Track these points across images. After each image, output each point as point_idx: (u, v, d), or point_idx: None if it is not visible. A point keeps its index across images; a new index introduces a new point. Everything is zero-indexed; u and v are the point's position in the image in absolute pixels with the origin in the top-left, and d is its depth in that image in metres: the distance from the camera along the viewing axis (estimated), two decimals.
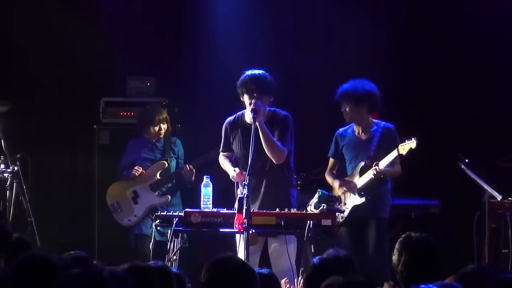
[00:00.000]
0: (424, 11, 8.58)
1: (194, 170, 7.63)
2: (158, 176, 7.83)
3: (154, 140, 7.92)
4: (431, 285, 3.11)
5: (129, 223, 7.83)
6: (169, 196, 7.78)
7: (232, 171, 6.63)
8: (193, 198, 7.76)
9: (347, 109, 7.08)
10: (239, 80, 6.60)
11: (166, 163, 7.85)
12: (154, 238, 6.88)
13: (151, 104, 8.15)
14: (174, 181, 7.85)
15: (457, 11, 8.56)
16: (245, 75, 6.60)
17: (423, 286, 3.10)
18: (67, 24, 8.80)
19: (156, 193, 7.80)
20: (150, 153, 7.92)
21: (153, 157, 7.91)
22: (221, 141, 6.83)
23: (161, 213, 6.50)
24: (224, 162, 6.80)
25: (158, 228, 7.65)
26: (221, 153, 6.85)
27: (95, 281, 3.09)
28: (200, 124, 7.68)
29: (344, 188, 7.02)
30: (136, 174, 7.78)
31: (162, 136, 7.90)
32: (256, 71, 6.61)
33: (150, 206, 7.76)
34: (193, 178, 7.62)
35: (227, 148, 6.80)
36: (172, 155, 7.90)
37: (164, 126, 7.90)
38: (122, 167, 7.93)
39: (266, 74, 6.61)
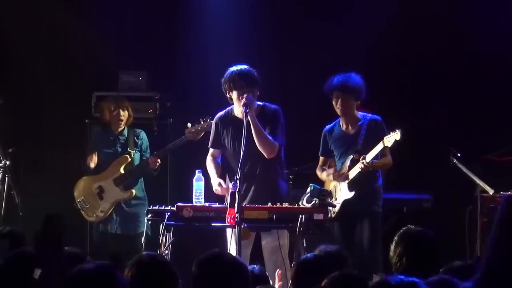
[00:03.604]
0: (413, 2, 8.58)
1: (159, 160, 7.64)
2: (122, 171, 7.81)
3: (116, 133, 7.89)
4: (414, 278, 3.09)
5: (96, 219, 7.83)
6: (133, 191, 7.77)
7: (215, 183, 6.63)
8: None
9: (342, 102, 7.03)
10: (225, 77, 6.63)
11: (128, 157, 7.83)
12: (146, 233, 6.89)
13: (114, 95, 8.15)
14: (137, 174, 7.83)
15: (448, 3, 8.57)
16: (231, 71, 6.63)
17: (402, 277, 3.08)
18: (59, 18, 8.79)
19: (120, 188, 7.79)
20: (111, 147, 7.90)
21: (114, 151, 7.89)
22: (210, 136, 6.83)
23: (153, 208, 6.47)
24: (209, 166, 6.77)
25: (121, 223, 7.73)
26: (210, 150, 6.84)
27: (105, 276, 3.09)
28: (192, 119, 7.66)
29: (334, 178, 7.02)
30: (91, 164, 7.82)
31: (122, 123, 7.86)
32: (241, 67, 6.64)
33: (115, 201, 7.76)
34: (157, 167, 7.66)
35: (216, 144, 6.79)
36: (135, 148, 7.87)
37: (124, 113, 7.86)
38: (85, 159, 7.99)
39: (251, 68, 6.65)
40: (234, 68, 6.64)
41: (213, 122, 6.83)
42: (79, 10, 8.86)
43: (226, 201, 6.27)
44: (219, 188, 6.60)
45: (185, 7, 8.93)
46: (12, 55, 8.94)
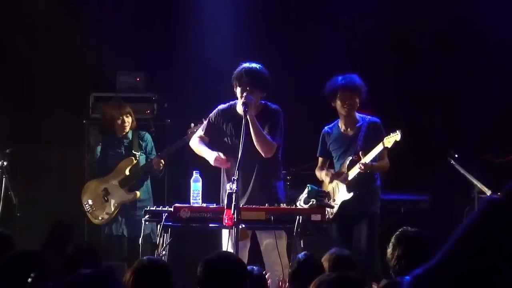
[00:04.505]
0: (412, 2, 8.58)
1: (163, 161, 7.65)
2: (127, 172, 7.81)
3: (120, 136, 7.89)
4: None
5: (102, 221, 7.81)
6: (138, 192, 7.77)
7: (211, 155, 6.56)
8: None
9: (350, 101, 7.01)
10: (235, 72, 6.55)
11: (134, 159, 7.83)
12: (143, 234, 6.88)
13: (114, 99, 8.12)
14: (142, 175, 7.83)
15: (448, 2, 8.58)
16: (241, 67, 6.55)
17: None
18: (57, 19, 8.78)
19: (125, 190, 7.78)
20: (116, 150, 7.89)
21: (119, 154, 7.88)
22: (206, 123, 6.78)
23: (150, 208, 6.47)
24: (199, 146, 6.71)
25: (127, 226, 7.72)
26: (198, 133, 6.80)
27: (103, 281, 3.09)
28: (190, 120, 7.66)
29: (335, 179, 7.01)
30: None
31: (127, 129, 7.87)
32: (253, 65, 6.55)
33: (120, 203, 7.75)
34: (161, 167, 7.66)
35: (209, 133, 6.74)
36: (140, 150, 7.87)
37: (128, 120, 7.85)
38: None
39: (263, 68, 6.57)
40: (246, 64, 6.55)
41: (214, 111, 6.78)
42: (78, 10, 8.86)
43: (223, 202, 6.25)
44: (219, 155, 6.55)
45: (183, 8, 8.93)
46: (10, 55, 8.94)
